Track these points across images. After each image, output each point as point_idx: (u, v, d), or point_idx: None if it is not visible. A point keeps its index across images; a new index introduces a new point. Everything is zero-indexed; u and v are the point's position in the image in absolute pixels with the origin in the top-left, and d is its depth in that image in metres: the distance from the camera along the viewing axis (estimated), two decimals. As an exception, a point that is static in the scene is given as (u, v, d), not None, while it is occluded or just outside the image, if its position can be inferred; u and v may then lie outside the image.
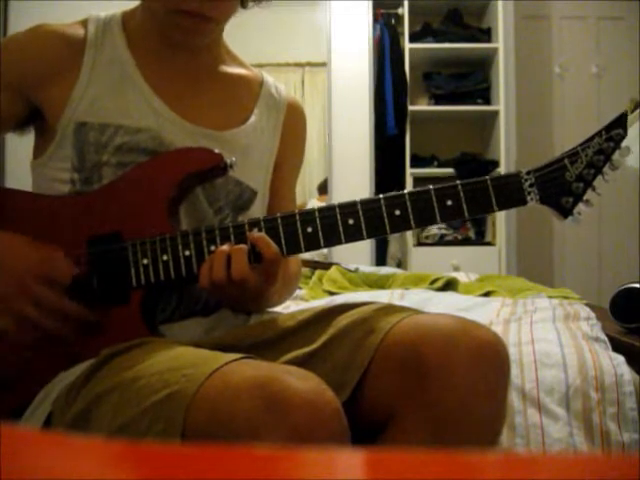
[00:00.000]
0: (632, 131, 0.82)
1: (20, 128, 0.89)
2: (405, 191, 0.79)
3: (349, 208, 0.78)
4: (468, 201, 0.78)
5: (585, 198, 0.80)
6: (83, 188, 0.82)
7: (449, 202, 0.78)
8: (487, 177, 0.79)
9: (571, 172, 0.79)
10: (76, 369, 0.72)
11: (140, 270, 0.77)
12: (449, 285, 1.88)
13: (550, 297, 1.62)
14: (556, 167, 0.79)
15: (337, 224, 0.78)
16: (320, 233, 0.78)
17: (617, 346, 1.21)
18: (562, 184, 0.79)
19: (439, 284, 1.88)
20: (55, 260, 0.77)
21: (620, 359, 1.12)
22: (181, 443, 0.57)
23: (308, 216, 0.78)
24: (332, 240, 0.78)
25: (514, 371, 1.07)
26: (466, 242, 3.45)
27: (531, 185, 0.79)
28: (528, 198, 0.79)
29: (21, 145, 0.99)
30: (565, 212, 0.80)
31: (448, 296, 1.68)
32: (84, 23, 0.88)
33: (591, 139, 0.80)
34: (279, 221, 0.78)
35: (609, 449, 1.02)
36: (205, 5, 0.79)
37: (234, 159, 0.82)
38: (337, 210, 0.78)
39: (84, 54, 0.85)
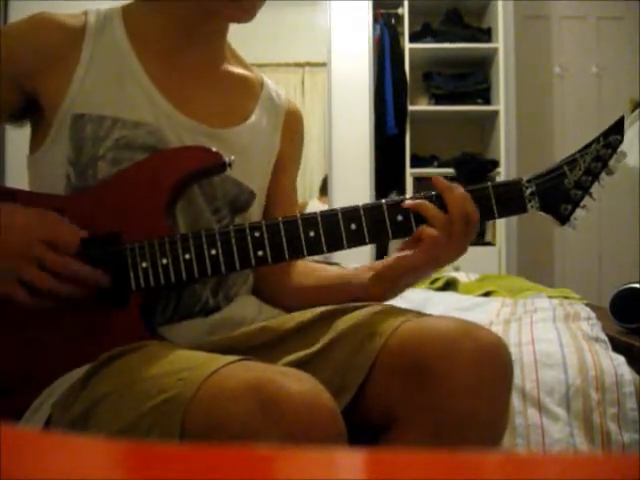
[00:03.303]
0: (630, 132, 0.82)
1: (17, 120, 0.88)
2: (407, 196, 0.80)
3: (352, 213, 0.79)
4: None
5: (582, 204, 0.81)
6: (78, 183, 0.81)
7: None
8: (489, 184, 0.80)
9: (570, 179, 0.80)
10: (75, 372, 0.72)
11: (139, 274, 0.77)
12: (449, 285, 1.88)
13: (550, 297, 1.62)
14: (555, 174, 0.81)
15: (340, 229, 0.78)
16: (322, 238, 0.78)
17: (617, 346, 1.21)
18: (561, 191, 0.80)
19: (439, 284, 1.88)
20: (61, 224, 0.76)
21: (620, 359, 1.12)
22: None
23: (310, 220, 0.78)
24: (334, 245, 0.78)
25: (514, 371, 1.07)
26: (466, 242, 3.44)
27: (532, 193, 0.80)
28: (529, 206, 0.80)
29: (21, 141, 0.98)
30: (563, 219, 0.81)
31: (448, 296, 1.68)
32: (84, 14, 0.87)
33: (589, 145, 0.81)
34: (281, 225, 0.78)
35: (609, 449, 1.02)
36: None
37: (232, 157, 0.81)
38: (340, 215, 0.78)
39: (83, 44, 0.84)
